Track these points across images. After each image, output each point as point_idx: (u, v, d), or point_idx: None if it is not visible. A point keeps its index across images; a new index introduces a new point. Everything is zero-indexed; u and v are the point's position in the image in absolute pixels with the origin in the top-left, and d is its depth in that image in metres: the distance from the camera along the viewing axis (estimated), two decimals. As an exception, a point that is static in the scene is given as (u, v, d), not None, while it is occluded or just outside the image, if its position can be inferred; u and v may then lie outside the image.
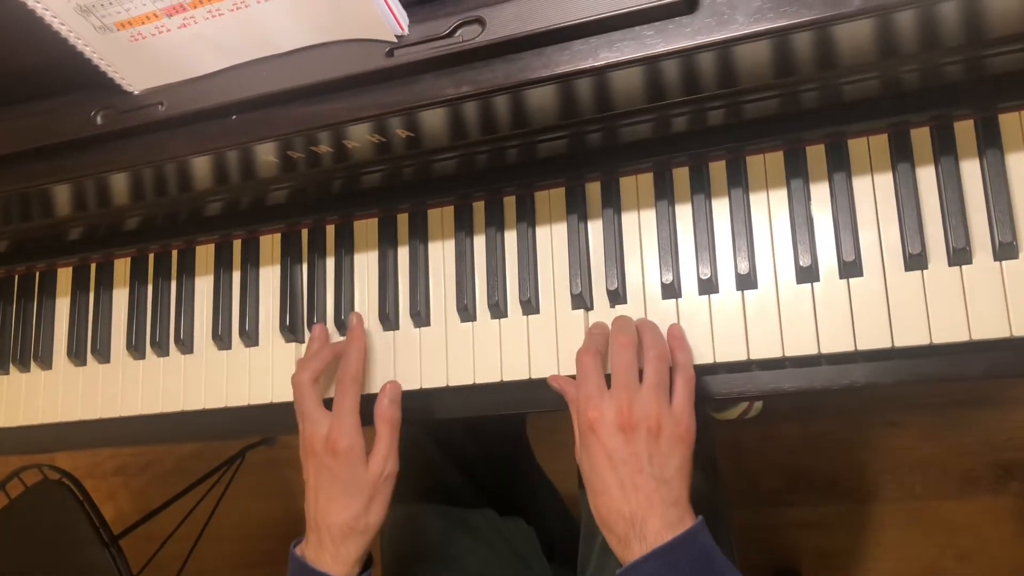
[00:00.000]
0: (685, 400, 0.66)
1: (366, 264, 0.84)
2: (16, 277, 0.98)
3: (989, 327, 0.64)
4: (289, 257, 0.86)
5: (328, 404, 0.74)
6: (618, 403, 0.64)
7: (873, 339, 0.67)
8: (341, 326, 0.83)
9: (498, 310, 0.78)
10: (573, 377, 0.69)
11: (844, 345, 0.67)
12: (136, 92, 0.70)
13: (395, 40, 0.63)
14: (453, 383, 0.78)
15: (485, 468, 0.99)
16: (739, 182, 0.73)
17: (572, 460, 0.69)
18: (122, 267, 0.93)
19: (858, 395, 1.45)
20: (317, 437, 0.72)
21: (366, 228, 0.84)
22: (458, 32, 0.62)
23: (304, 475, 0.74)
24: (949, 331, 0.65)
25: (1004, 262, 0.65)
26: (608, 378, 0.67)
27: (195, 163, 0.72)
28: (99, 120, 0.71)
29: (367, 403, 0.74)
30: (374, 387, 0.79)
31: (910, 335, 0.66)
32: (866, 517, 1.45)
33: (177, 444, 1.81)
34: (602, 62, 0.59)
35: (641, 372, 0.66)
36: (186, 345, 0.88)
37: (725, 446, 1.52)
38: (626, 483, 0.63)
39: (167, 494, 1.52)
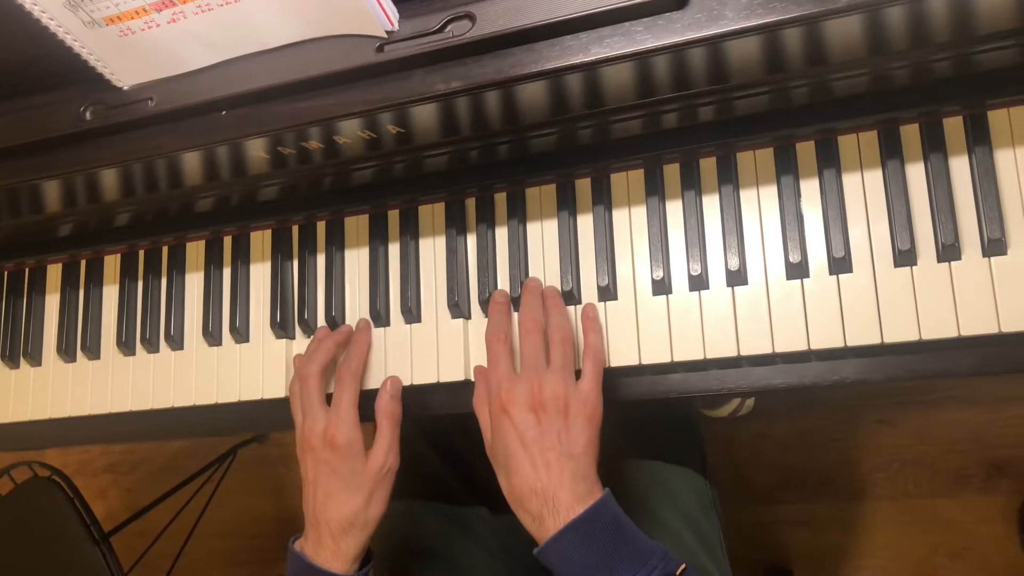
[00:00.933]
0: (593, 381, 0.68)
1: (357, 260, 0.84)
2: (5, 274, 0.98)
3: (978, 323, 0.64)
4: (280, 254, 0.86)
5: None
6: (529, 385, 0.66)
7: (863, 335, 0.67)
8: (332, 323, 0.82)
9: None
10: None
11: (834, 341, 0.68)
12: (125, 88, 0.70)
13: (385, 36, 0.63)
14: (444, 379, 0.78)
15: (477, 464, 0.99)
16: (729, 178, 0.73)
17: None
18: (112, 263, 0.93)
19: (850, 393, 1.45)
20: (315, 432, 0.72)
21: (357, 224, 0.84)
22: (448, 27, 0.62)
23: (302, 471, 0.74)
24: (938, 327, 0.65)
25: (993, 258, 0.65)
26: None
27: (185, 159, 0.72)
28: (88, 116, 0.70)
29: (363, 399, 0.74)
30: (366, 384, 0.79)
31: (899, 331, 0.66)
32: (858, 515, 1.45)
33: (167, 441, 1.81)
34: (592, 58, 0.59)
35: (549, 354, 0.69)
36: (176, 342, 0.88)
37: (717, 443, 1.52)
38: (537, 461, 0.65)
39: (158, 492, 1.52)
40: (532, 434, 0.65)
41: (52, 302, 0.95)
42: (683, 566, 0.62)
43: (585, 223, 0.77)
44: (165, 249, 0.91)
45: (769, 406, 1.51)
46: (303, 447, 0.73)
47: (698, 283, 0.72)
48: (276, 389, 0.83)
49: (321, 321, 0.83)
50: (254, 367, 0.85)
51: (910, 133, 0.69)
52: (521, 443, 0.65)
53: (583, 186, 0.77)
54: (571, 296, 0.75)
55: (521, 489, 0.65)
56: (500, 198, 0.80)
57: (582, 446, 0.66)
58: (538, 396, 0.66)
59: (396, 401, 0.75)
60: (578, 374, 0.70)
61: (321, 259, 0.85)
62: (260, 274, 0.87)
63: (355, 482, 0.71)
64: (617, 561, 0.62)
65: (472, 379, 0.76)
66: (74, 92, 0.71)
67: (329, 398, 0.75)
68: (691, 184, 0.74)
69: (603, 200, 0.76)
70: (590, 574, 0.62)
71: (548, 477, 0.64)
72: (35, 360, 0.93)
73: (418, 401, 0.79)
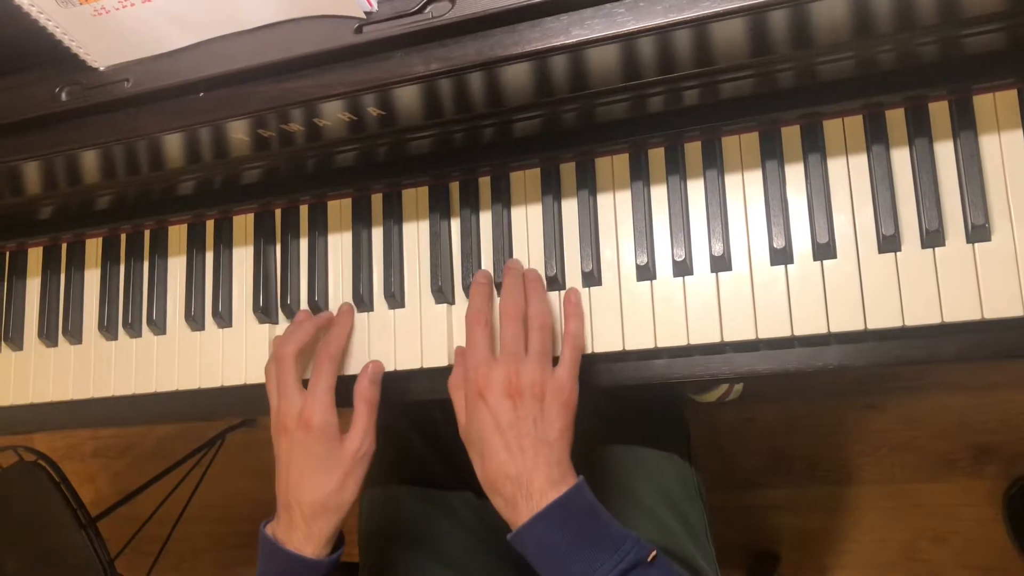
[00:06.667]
0: (570, 368, 0.69)
1: (340, 245, 0.83)
2: (-14, 257, 0.97)
3: (961, 309, 0.64)
4: (262, 238, 0.85)
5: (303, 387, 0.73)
6: (506, 371, 0.67)
7: (846, 321, 0.67)
8: (315, 308, 0.82)
9: (472, 291, 0.77)
10: None
11: (817, 327, 0.67)
12: (102, 68, 0.69)
13: (364, 16, 0.62)
14: (428, 365, 0.77)
15: (462, 449, 0.98)
16: (714, 163, 0.72)
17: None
18: (93, 247, 0.92)
19: (836, 378, 1.46)
20: (290, 413, 0.71)
21: (340, 208, 0.84)
22: (428, 8, 0.61)
23: (276, 452, 0.73)
24: (922, 313, 0.65)
25: (976, 244, 0.65)
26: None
27: (163, 141, 0.71)
28: (64, 97, 0.69)
29: (342, 384, 0.74)
30: (348, 369, 0.78)
31: (883, 317, 0.66)
32: (844, 499, 1.46)
33: (150, 426, 1.80)
34: (573, 40, 0.59)
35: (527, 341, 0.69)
36: (159, 326, 0.88)
37: (704, 428, 1.52)
38: (512, 446, 0.65)
39: (147, 476, 1.51)
40: (508, 419, 0.65)
41: (33, 286, 0.94)
42: (654, 552, 0.62)
43: (569, 208, 0.76)
44: (147, 233, 0.90)
45: (757, 391, 1.51)
46: (278, 428, 0.73)
47: (682, 269, 0.72)
48: (259, 374, 0.82)
49: (304, 306, 0.83)
50: (237, 352, 0.84)
51: (895, 118, 0.69)
52: (496, 428, 0.66)
53: (568, 170, 0.76)
54: (555, 281, 0.75)
55: (496, 474, 0.65)
56: (484, 182, 0.79)
57: (557, 432, 0.66)
58: (515, 382, 0.66)
59: (375, 385, 0.75)
60: (557, 360, 0.69)
61: (304, 243, 0.84)
62: (243, 258, 0.86)
63: (329, 465, 0.70)
64: (590, 547, 0.62)
65: (453, 364, 0.76)
66: (49, 73, 0.70)
67: (306, 383, 0.75)
68: (676, 169, 0.73)
69: (588, 184, 0.75)
70: (563, 559, 0.62)
71: (523, 462, 0.64)
72: (16, 344, 0.93)
73: (402, 387, 0.79)
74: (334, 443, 0.71)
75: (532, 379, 0.66)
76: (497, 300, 0.74)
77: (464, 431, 0.70)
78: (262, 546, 0.71)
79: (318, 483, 0.70)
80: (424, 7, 0.61)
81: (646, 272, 0.73)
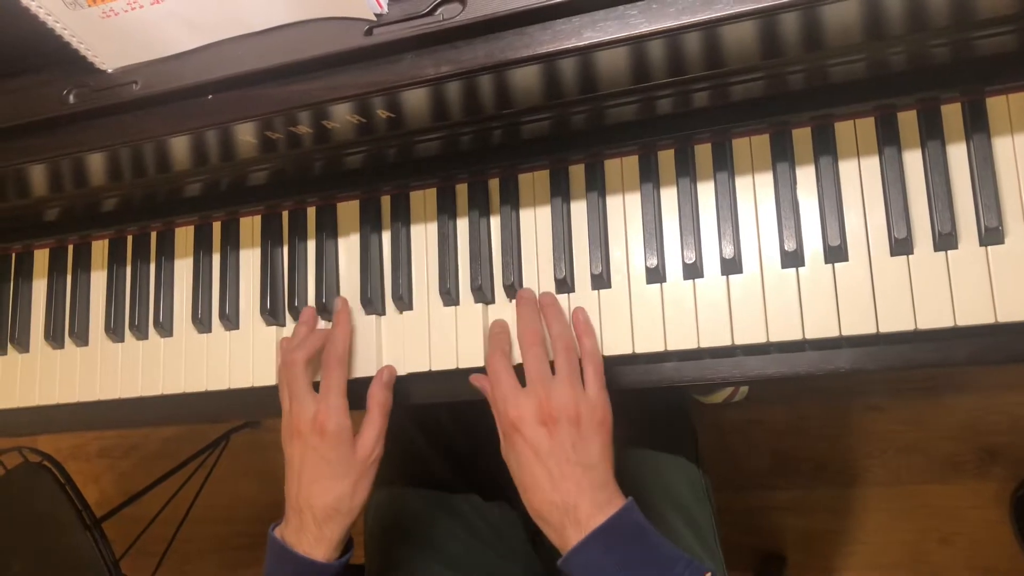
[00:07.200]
0: (597, 386, 0.68)
1: (348, 247, 0.83)
2: (-8, 259, 0.96)
3: (974, 313, 0.64)
4: (270, 240, 0.85)
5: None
6: (536, 399, 0.66)
7: (858, 325, 0.66)
8: (323, 310, 0.82)
9: (481, 294, 0.77)
10: None
11: (829, 331, 0.67)
12: (110, 71, 0.69)
13: (374, 19, 0.62)
14: (436, 368, 0.77)
15: (469, 453, 0.98)
16: (725, 165, 0.72)
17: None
18: (100, 249, 0.92)
19: (843, 380, 1.45)
20: (304, 418, 0.71)
21: (348, 210, 0.83)
22: (438, 10, 0.61)
23: (287, 456, 0.73)
24: (934, 317, 0.65)
25: (990, 247, 0.64)
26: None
27: (171, 144, 0.71)
28: (72, 99, 0.69)
29: (352, 387, 0.74)
30: (356, 372, 0.78)
31: (895, 321, 0.65)
32: (850, 501, 1.45)
33: (156, 428, 1.80)
34: (585, 42, 0.58)
35: (552, 364, 0.68)
36: (166, 328, 0.87)
37: (710, 430, 1.52)
38: (554, 473, 0.64)
39: (152, 477, 1.51)
40: (546, 447, 0.65)
41: (39, 288, 0.94)
42: (708, 574, 0.62)
43: (579, 210, 0.76)
44: (153, 235, 0.90)
45: (762, 393, 1.50)
46: (291, 433, 0.72)
47: (692, 271, 0.71)
48: (266, 376, 0.82)
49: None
50: (244, 354, 0.84)
51: (907, 120, 0.68)
52: (536, 457, 0.65)
53: (577, 172, 0.76)
54: (564, 284, 0.74)
55: (541, 504, 0.65)
56: (493, 184, 0.79)
57: (597, 453, 0.65)
58: (547, 408, 0.65)
59: (388, 390, 0.75)
60: None
61: (312, 245, 0.84)
62: (250, 260, 0.86)
63: (342, 469, 0.70)
64: (641, 569, 0.61)
65: (462, 367, 0.76)
66: (57, 75, 0.70)
67: (316, 386, 0.74)
68: (686, 171, 0.73)
69: (597, 187, 0.75)
70: None
71: (567, 489, 0.64)
72: (23, 346, 0.92)
73: (408, 389, 0.79)
74: (348, 448, 0.71)
75: (564, 402, 0.65)
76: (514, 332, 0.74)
77: (505, 459, 0.69)
78: (271, 549, 0.71)
79: (331, 487, 0.70)
80: (435, 9, 0.60)
81: (656, 275, 0.72)
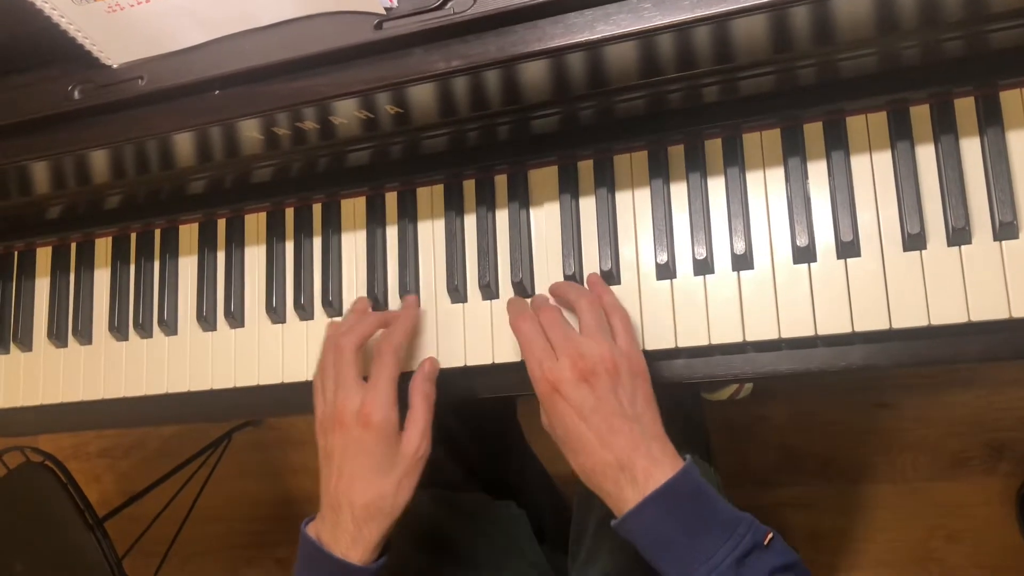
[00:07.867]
0: (627, 335, 0.67)
1: (354, 244, 0.82)
2: (-6, 257, 0.96)
3: (988, 308, 0.63)
4: (275, 237, 0.85)
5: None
6: (570, 356, 0.63)
7: (871, 320, 0.66)
8: (330, 308, 0.81)
9: (489, 291, 0.76)
10: None
11: (841, 327, 0.66)
12: (115, 66, 0.68)
13: (384, 12, 0.61)
14: (444, 366, 0.76)
15: (476, 451, 0.98)
16: (735, 160, 0.71)
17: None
18: (103, 247, 0.91)
19: (850, 376, 1.45)
20: (348, 408, 0.67)
21: (354, 207, 0.83)
22: (449, 4, 0.60)
23: (325, 449, 0.69)
24: (948, 312, 0.64)
25: (1004, 242, 0.64)
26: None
27: (177, 140, 0.70)
28: (77, 95, 0.69)
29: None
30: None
31: (908, 317, 0.65)
32: (857, 498, 1.45)
33: (161, 427, 1.80)
34: (597, 36, 0.58)
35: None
36: (170, 326, 0.87)
37: (716, 426, 1.51)
38: (602, 430, 0.62)
39: (153, 476, 1.50)
40: (590, 404, 0.62)
41: (42, 286, 0.93)
42: (770, 535, 0.60)
43: (588, 206, 0.75)
44: (158, 232, 0.89)
45: (768, 389, 1.50)
46: (332, 423, 0.68)
47: (703, 267, 0.71)
48: (272, 375, 0.82)
49: (318, 306, 0.82)
50: (249, 353, 0.83)
51: (920, 114, 0.68)
52: (581, 417, 0.62)
53: (586, 168, 0.76)
54: (574, 281, 0.74)
55: (594, 466, 0.62)
56: (501, 180, 0.78)
57: (642, 403, 0.63)
58: (581, 364, 0.63)
59: (432, 383, 0.72)
60: None
61: (317, 242, 0.83)
62: (255, 258, 0.85)
63: (387, 465, 0.66)
64: (703, 531, 0.59)
65: (470, 364, 0.75)
66: (62, 70, 0.69)
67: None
68: (696, 166, 0.72)
69: (606, 182, 0.74)
70: (674, 546, 0.59)
71: (619, 445, 0.61)
72: (25, 345, 0.92)
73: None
74: (393, 442, 0.67)
75: (599, 353, 0.63)
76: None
77: (550, 430, 0.66)
78: (303, 548, 0.67)
79: (374, 484, 0.66)
80: (445, 3, 0.60)
81: (666, 271, 0.72)
